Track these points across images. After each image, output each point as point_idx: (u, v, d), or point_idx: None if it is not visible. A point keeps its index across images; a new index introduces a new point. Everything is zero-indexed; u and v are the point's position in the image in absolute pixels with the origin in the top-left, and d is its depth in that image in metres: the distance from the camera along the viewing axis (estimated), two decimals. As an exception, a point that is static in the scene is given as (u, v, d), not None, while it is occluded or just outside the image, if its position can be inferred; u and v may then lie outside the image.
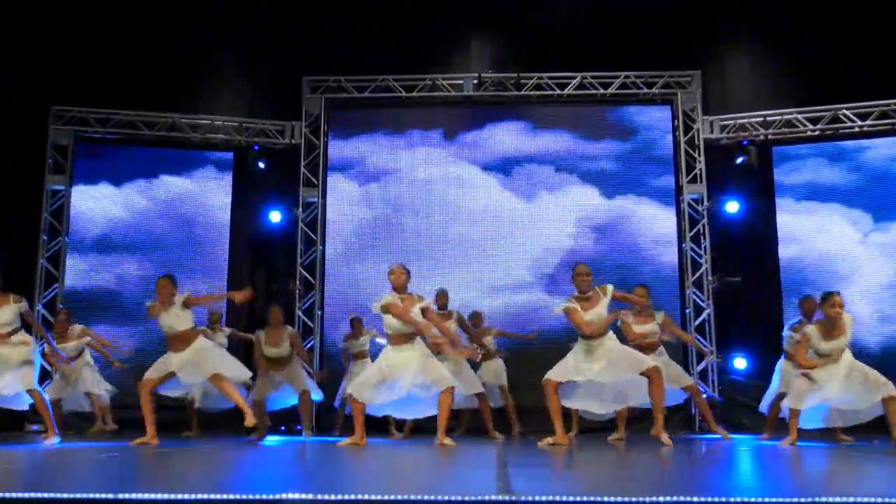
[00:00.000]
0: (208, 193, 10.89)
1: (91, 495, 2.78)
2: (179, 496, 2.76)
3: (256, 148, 10.81)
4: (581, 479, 3.85)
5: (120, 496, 2.78)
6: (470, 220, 10.60)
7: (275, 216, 10.81)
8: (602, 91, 10.79)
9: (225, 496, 2.80)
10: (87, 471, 4.43)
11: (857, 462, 5.03)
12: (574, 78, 10.78)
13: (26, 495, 2.75)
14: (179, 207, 10.79)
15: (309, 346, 10.31)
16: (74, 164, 10.62)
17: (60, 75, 10.54)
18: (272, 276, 10.96)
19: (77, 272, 10.41)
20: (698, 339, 10.08)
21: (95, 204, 10.66)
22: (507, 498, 2.74)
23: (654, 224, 10.54)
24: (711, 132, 10.68)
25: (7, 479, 3.81)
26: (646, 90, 10.76)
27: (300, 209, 10.65)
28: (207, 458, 5.44)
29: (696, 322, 10.17)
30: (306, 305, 10.46)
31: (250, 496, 2.76)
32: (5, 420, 8.89)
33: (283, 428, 9.31)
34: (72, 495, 2.79)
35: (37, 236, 10.33)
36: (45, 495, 2.78)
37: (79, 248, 10.49)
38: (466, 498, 2.72)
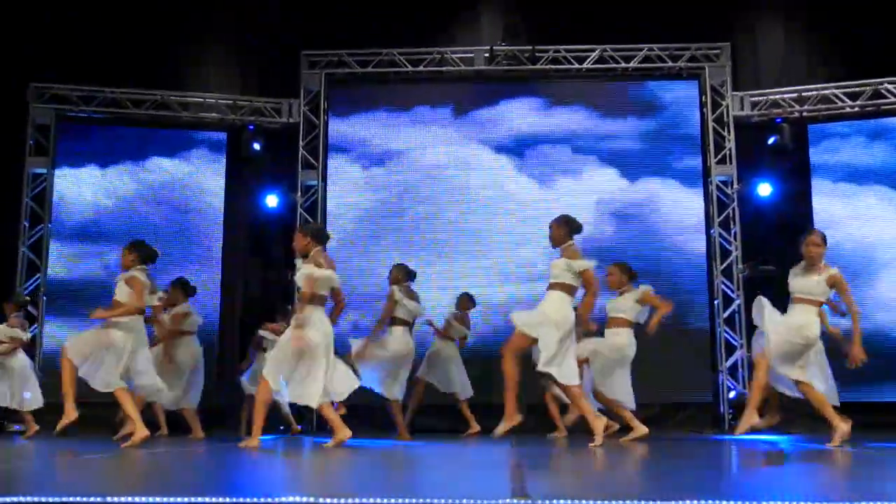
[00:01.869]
0: (201, 176, 10.93)
1: (80, 498, 2.81)
2: (173, 499, 2.80)
3: (252, 127, 10.83)
4: (599, 482, 3.88)
5: (109, 499, 2.82)
6: (481, 205, 10.59)
7: (271, 201, 10.84)
8: (623, 65, 10.77)
9: (222, 499, 2.84)
10: (75, 473, 4.48)
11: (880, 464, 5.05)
12: (593, 51, 10.76)
13: (13, 499, 2.79)
14: (170, 191, 10.84)
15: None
16: (57, 145, 10.66)
17: (40, 49, 10.56)
18: (269, 265, 11.00)
19: (61, 261, 10.47)
20: (726, 333, 10.09)
21: (80, 188, 10.70)
22: (522, 502, 2.77)
23: (680, 208, 10.53)
24: (742, 109, 10.66)
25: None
26: (671, 64, 10.74)
27: (299, 193, 10.68)
28: (201, 459, 5.49)
29: (726, 314, 10.17)
30: (305, 297, 10.48)
31: (249, 499, 2.80)
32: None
33: (281, 427, 9.39)
34: (60, 498, 2.83)
35: (17, 223, 10.38)
36: (33, 499, 2.82)
37: (63, 235, 10.55)
38: (479, 502, 2.75)
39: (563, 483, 3.85)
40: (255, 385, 9.00)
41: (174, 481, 3.96)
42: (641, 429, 7.09)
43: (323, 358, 6.11)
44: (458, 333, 8.89)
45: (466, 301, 9.06)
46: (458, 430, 8.62)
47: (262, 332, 9.04)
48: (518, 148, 10.79)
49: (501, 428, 6.23)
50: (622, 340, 7.27)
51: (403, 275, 7.96)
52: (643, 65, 10.76)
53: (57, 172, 10.64)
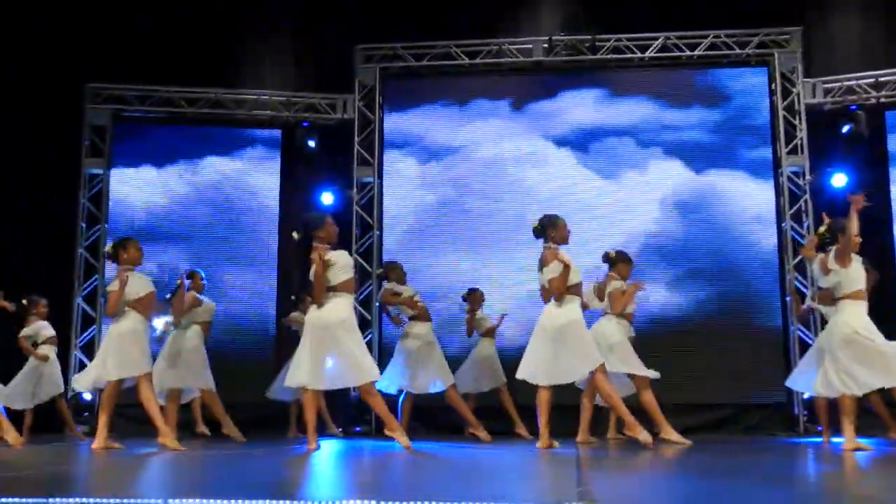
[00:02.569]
0: (256, 174, 11.06)
1: (142, 500, 2.87)
2: (235, 502, 2.84)
3: (306, 124, 10.93)
4: (669, 487, 3.85)
5: (171, 502, 2.87)
6: (542, 200, 10.48)
7: (327, 198, 10.91)
8: (688, 53, 10.63)
9: (283, 503, 2.87)
10: (136, 475, 4.57)
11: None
12: (656, 39, 10.64)
13: (76, 500, 2.86)
14: (225, 190, 10.99)
15: (367, 339, 10.41)
16: (113, 145, 10.89)
17: (95, 49, 10.77)
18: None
19: (118, 262, 10.66)
20: (800, 331, 9.89)
21: (136, 188, 10.91)
22: (588, 505, 2.76)
23: (750, 201, 10.35)
24: (814, 96, 10.45)
25: (60, 483, 3.97)
26: (738, 51, 10.57)
27: (355, 190, 10.75)
28: (261, 462, 5.56)
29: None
30: (363, 296, 10.55)
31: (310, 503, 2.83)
32: (48, 421, 9.28)
33: (340, 430, 9.48)
34: (122, 500, 2.89)
35: (74, 224, 10.62)
36: (92, 500, 2.88)
37: (120, 236, 10.73)
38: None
39: (628, 487, 3.83)
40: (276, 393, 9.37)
41: (220, 483, 4.02)
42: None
43: (309, 344, 6.58)
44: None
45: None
46: (508, 432, 8.66)
47: (288, 322, 9.51)
48: (579, 140, 10.71)
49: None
50: (603, 329, 7.48)
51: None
52: (709, 52, 10.60)
53: (113, 173, 10.87)
